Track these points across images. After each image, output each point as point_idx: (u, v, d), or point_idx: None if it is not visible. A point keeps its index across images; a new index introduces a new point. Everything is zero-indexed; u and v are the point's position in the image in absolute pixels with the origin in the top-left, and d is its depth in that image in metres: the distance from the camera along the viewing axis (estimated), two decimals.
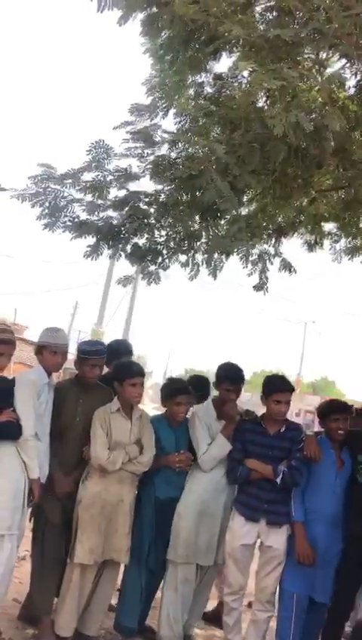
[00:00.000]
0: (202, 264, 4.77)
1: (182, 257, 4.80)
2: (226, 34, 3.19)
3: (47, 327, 3.70)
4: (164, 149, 4.05)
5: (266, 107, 3.60)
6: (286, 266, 5.02)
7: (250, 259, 4.79)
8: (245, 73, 3.74)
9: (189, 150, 3.99)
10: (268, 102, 3.65)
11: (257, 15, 3.70)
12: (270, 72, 3.00)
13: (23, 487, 3.38)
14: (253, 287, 5.07)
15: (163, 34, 3.94)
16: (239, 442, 3.80)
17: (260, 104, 3.90)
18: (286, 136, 3.17)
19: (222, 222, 4.53)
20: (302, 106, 3.17)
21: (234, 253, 4.49)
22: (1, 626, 3.40)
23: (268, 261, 4.93)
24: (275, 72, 2.99)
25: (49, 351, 3.60)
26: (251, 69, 3.16)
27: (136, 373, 3.70)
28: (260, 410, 4.01)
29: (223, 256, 4.70)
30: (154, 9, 3.65)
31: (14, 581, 3.66)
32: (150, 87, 4.00)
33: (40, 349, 3.63)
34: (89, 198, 4.20)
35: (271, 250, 5.04)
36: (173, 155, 4.08)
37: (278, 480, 3.62)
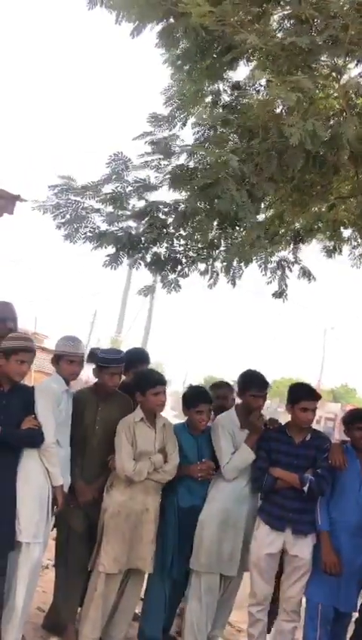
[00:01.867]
0: (221, 272, 4.78)
1: (201, 266, 4.82)
2: (242, 43, 3.21)
3: (63, 336, 3.72)
4: (182, 159, 4.08)
5: (284, 115, 3.60)
6: (306, 274, 5.01)
7: (269, 266, 4.79)
8: (262, 81, 3.76)
9: (207, 159, 4.02)
10: (285, 110, 3.66)
11: (274, 24, 3.72)
12: (286, 82, 3.02)
13: (47, 495, 3.41)
14: (273, 294, 5.06)
15: (180, 44, 3.99)
16: (264, 451, 3.77)
17: (277, 111, 3.91)
18: (303, 144, 3.17)
19: (241, 230, 4.54)
20: (319, 114, 3.18)
21: (253, 261, 4.49)
22: (26, 634, 3.42)
23: (287, 268, 4.93)
24: (291, 83, 3.01)
25: (66, 360, 3.62)
26: (267, 79, 3.18)
27: (157, 382, 3.71)
28: (280, 417, 3.98)
29: (242, 264, 4.69)
30: (171, 20, 3.69)
31: (38, 590, 3.69)
32: (168, 97, 4.04)
33: (57, 359, 3.66)
34: (109, 209, 4.24)
35: (291, 257, 5.03)
36: (191, 164, 4.10)
37: (305, 489, 3.59)
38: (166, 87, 4.22)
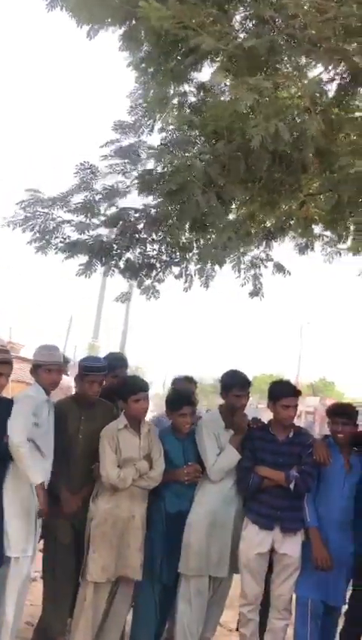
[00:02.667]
0: (195, 275, 4.79)
1: (176, 269, 4.83)
2: (200, 46, 3.21)
3: (40, 345, 3.69)
4: (151, 164, 4.08)
5: (250, 116, 3.60)
6: (280, 269, 5.04)
7: (242, 266, 4.81)
8: (228, 82, 3.77)
9: (173, 163, 4.01)
10: (248, 111, 3.66)
11: (237, 24, 3.73)
12: (244, 83, 3.02)
13: (34, 507, 3.37)
14: (249, 293, 5.09)
15: (143, 47, 3.98)
16: (249, 450, 3.78)
17: (243, 112, 3.92)
18: (266, 146, 3.18)
19: (212, 232, 4.56)
20: (283, 113, 3.19)
21: (227, 262, 4.51)
22: None
23: (261, 266, 4.95)
24: (250, 85, 3.01)
25: (44, 369, 3.59)
26: (226, 82, 3.19)
27: (139, 388, 3.69)
28: (260, 413, 4.00)
29: (215, 266, 4.72)
30: (134, 22, 3.68)
31: (26, 603, 3.64)
32: (133, 104, 4.03)
33: (35, 368, 3.62)
34: (81, 218, 4.23)
35: (263, 256, 5.06)
36: (159, 169, 4.10)
37: (291, 486, 3.61)
38: (131, 90, 4.22)
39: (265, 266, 5.00)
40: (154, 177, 4.01)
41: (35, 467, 3.35)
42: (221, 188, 3.86)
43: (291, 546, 3.65)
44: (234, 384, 3.90)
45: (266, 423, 3.92)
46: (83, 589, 3.56)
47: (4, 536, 3.28)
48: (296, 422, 3.98)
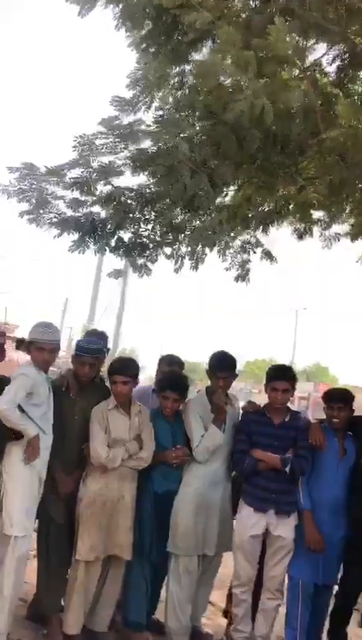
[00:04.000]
0: (185, 256, 4.78)
1: (167, 250, 4.80)
2: (195, 23, 3.13)
3: (37, 322, 3.60)
4: (147, 143, 4.01)
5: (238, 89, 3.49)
6: (268, 256, 5.02)
7: (231, 251, 4.78)
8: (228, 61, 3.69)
9: (163, 144, 3.94)
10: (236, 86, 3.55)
11: (240, 4, 3.66)
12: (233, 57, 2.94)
13: (36, 487, 3.41)
14: (234, 278, 5.09)
15: (145, 26, 3.90)
16: (244, 433, 3.80)
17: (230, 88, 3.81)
18: (261, 123, 3.12)
19: (203, 214, 4.53)
20: (280, 93, 3.11)
21: (216, 246, 4.49)
22: (10, 626, 3.41)
23: (250, 251, 4.94)
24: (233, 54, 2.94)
25: (35, 347, 3.50)
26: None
27: (115, 371, 3.67)
28: (254, 398, 4.02)
29: (206, 249, 4.70)
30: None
31: None
32: (132, 81, 3.93)
33: (28, 345, 3.56)
34: (75, 194, 4.17)
35: (253, 241, 5.03)
36: (155, 148, 4.02)
37: (286, 469, 3.64)
38: (131, 70, 4.13)
39: (254, 252, 4.98)
40: (147, 157, 3.95)
41: (25, 423, 3.31)
42: (212, 170, 3.80)
43: (285, 529, 3.69)
44: (216, 366, 3.92)
45: (263, 406, 3.94)
46: (74, 569, 3.60)
47: (5, 514, 3.29)
48: (291, 406, 4.00)
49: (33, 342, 3.52)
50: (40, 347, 3.50)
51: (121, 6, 3.74)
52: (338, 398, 3.84)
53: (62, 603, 3.65)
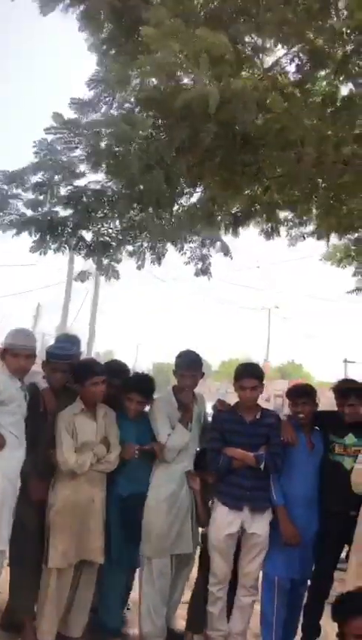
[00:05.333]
0: (148, 251, 4.81)
1: (129, 247, 4.81)
2: (152, 19, 3.12)
3: (13, 329, 3.55)
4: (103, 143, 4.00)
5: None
6: (225, 250, 5.06)
7: (189, 246, 4.81)
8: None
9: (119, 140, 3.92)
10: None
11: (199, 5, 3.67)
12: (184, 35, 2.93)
13: (9, 496, 3.35)
14: (194, 273, 5.13)
15: (105, 28, 3.89)
16: (218, 432, 3.81)
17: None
18: (207, 113, 3.11)
19: (161, 212, 4.54)
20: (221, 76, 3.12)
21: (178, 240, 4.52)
22: None
23: (210, 246, 5.00)
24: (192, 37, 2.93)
25: (10, 354, 3.46)
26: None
27: (96, 372, 3.67)
28: (229, 398, 4.05)
29: (164, 245, 4.75)
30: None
31: None
32: (93, 81, 3.91)
33: (3, 352, 3.51)
34: (37, 196, 4.14)
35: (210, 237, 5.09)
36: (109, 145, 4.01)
37: (261, 467, 3.66)
38: (93, 73, 4.11)
39: (214, 247, 5.02)
40: (103, 154, 3.94)
41: None
42: (169, 165, 3.80)
43: (260, 525, 3.71)
44: (181, 364, 3.95)
45: (233, 405, 3.96)
46: (46, 576, 3.56)
47: None
48: (265, 405, 4.03)
49: (7, 349, 3.48)
50: (15, 353, 3.45)
51: (82, 7, 3.73)
52: (301, 393, 3.89)
53: (36, 610, 3.61)
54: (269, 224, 5.30)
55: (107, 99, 3.93)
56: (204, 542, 3.87)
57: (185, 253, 4.95)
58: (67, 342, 4.25)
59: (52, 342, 4.86)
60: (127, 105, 4.01)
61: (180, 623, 4.00)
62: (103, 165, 4.00)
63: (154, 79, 3.70)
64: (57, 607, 3.56)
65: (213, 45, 2.94)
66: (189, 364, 3.97)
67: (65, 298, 25.00)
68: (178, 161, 3.83)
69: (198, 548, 3.96)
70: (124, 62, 3.76)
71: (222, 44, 2.94)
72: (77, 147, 3.96)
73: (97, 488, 3.64)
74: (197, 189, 4.77)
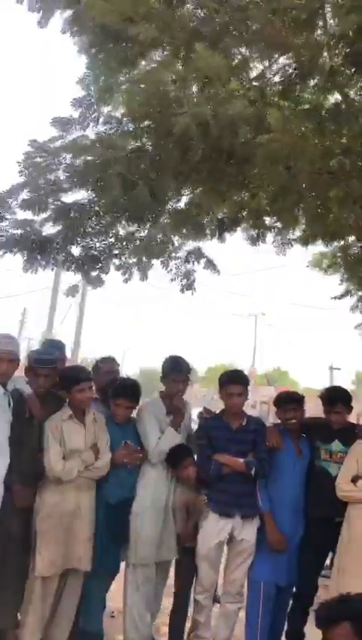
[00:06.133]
0: (133, 267, 4.85)
1: (116, 261, 4.85)
2: (141, 36, 3.17)
3: None
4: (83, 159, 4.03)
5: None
6: (210, 266, 5.14)
7: (175, 262, 4.89)
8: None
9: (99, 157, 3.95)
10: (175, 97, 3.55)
11: (187, 13, 3.70)
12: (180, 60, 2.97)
13: None
14: (180, 289, 5.19)
15: (92, 31, 3.90)
16: (205, 439, 3.81)
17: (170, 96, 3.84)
18: (204, 135, 3.15)
19: (149, 225, 4.59)
20: (218, 98, 3.15)
21: (163, 256, 4.57)
22: None
23: (194, 262, 5.07)
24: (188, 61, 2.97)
25: None
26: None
27: (82, 378, 3.64)
28: (216, 404, 4.05)
29: (151, 260, 4.81)
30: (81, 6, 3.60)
31: None
32: (76, 101, 3.93)
33: None
34: (28, 214, 4.16)
35: (196, 251, 5.16)
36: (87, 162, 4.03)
37: (252, 472, 3.66)
38: (81, 76, 4.11)
39: (198, 262, 5.08)
40: (88, 171, 3.93)
41: None
42: (153, 181, 3.82)
43: (248, 532, 3.71)
44: (171, 370, 3.96)
45: (219, 412, 3.97)
46: (30, 583, 3.52)
47: None
48: (251, 412, 4.05)
49: None
50: None
51: (69, 11, 3.75)
52: (291, 399, 3.93)
53: (19, 617, 3.57)
54: (256, 230, 5.34)
55: (94, 115, 3.94)
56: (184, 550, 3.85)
57: (171, 270, 5.00)
58: (50, 347, 4.24)
59: (38, 347, 4.84)
60: (114, 119, 4.02)
61: (163, 630, 3.98)
62: (83, 184, 4.02)
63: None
64: (41, 614, 3.52)
65: (209, 66, 2.98)
66: (180, 369, 3.97)
67: (52, 303, 24.85)
68: (163, 176, 3.86)
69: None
70: (112, 67, 3.79)
71: (219, 64, 2.98)
72: (57, 169, 3.98)
73: (85, 495, 3.61)
74: (183, 194, 4.80)
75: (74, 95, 4.00)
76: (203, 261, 5.18)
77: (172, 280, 5.05)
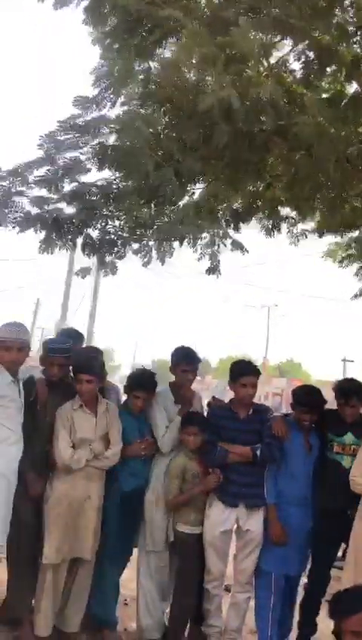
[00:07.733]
0: (152, 251, 4.77)
1: (135, 245, 4.78)
2: (166, 20, 3.13)
3: (4, 323, 3.54)
4: (112, 139, 3.99)
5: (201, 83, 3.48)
6: (238, 246, 5.00)
7: (200, 242, 4.80)
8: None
9: (130, 138, 3.91)
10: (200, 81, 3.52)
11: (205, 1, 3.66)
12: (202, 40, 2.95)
13: (4, 491, 3.34)
14: (206, 270, 5.09)
15: (109, 21, 3.88)
16: (213, 426, 3.81)
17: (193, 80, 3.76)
18: (228, 118, 3.12)
19: (170, 208, 4.53)
20: (238, 75, 3.11)
21: (186, 240, 4.50)
22: None
23: (220, 244, 4.93)
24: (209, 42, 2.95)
25: (2, 347, 3.44)
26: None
27: (81, 369, 3.63)
28: (227, 395, 4.05)
29: (172, 243, 4.71)
30: None
31: None
32: (97, 78, 3.90)
33: None
34: (43, 192, 4.13)
35: (221, 233, 4.99)
36: (117, 143, 4.00)
37: (258, 453, 3.65)
38: (95, 66, 4.10)
39: (224, 244, 4.99)
40: (110, 151, 3.93)
41: None
42: (179, 163, 3.80)
43: (254, 522, 3.71)
44: (181, 360, 3.97)
45: (228, 401, 3.97)
46: (42, 571, 3.56)
47: None
48: (264, 403, 4.04)
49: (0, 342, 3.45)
50: (7, 346, 3.43)
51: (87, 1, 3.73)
52: (307, 402, 3.82)
53: (33, 605, 3.62)
54: (271, 220, 5.29)
55: (111, 96, 3.91)
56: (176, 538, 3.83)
57: (197, 250, 4.90)
58: (66, 335, 4.24)
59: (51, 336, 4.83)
60: (133, 102, 3.99)
61: None
62: (111, 163, 3.98)
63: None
64: (54, 602, 3.56)
65: (244, 44, 2.94)
66: (189, 360, 3.99)
67: (65, 293, 24.98)
68: (187, 158, 3.82)
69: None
70: (127, 56, 3.76)
71: (253, 44, 2.94)
72: (84, 146, 3.95)
73: (95, 485, 3.62)
74: (198, 185, 4.77)
75: (73, 93, 3.99)
76: (228, 243, 5.01)
77: (199, 259, 4.94)
